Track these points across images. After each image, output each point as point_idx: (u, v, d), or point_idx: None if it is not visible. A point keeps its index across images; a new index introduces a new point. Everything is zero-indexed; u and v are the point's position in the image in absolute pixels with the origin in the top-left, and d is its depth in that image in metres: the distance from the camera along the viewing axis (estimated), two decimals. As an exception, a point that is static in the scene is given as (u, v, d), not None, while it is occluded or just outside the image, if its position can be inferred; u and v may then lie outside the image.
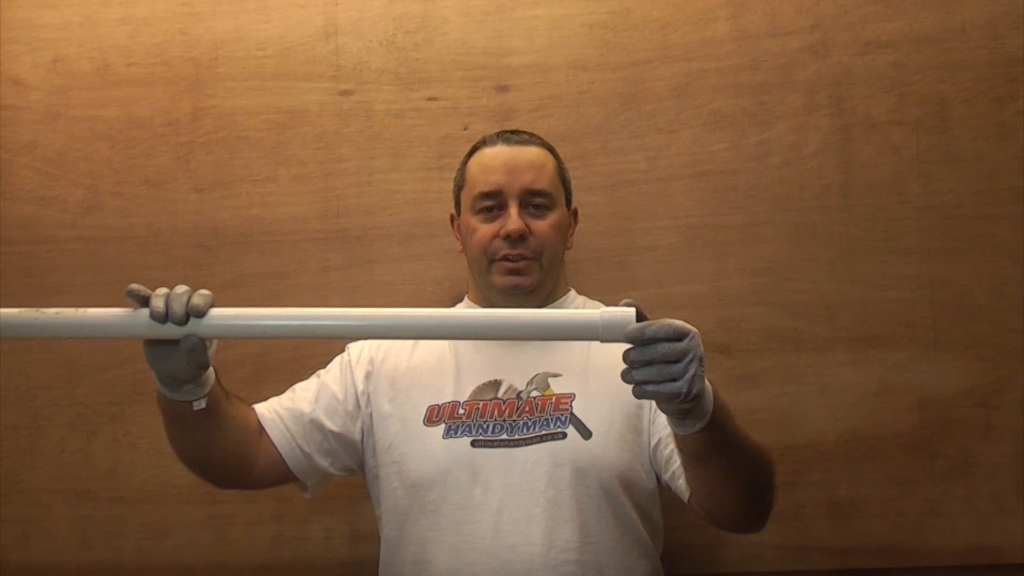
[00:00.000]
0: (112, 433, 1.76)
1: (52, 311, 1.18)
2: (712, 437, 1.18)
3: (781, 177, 1.76)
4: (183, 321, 1.16)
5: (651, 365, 1.10)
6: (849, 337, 1.72)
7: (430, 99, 1.80)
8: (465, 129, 1.78)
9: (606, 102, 1.78)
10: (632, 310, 1.13)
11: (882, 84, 1.76)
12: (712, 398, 1.17)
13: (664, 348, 1.09)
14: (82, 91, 1.82)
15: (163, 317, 1.15)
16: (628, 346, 1.12)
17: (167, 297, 1.16)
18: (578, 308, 1.51)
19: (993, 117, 1.75)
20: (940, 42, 1.76)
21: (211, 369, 1.25)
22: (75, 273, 1.79)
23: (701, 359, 1.12)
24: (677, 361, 1.10)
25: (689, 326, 1.12)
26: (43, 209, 1.80)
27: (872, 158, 1.75)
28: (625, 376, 1.12)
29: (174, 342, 1.17)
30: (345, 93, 1.80)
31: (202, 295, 1.17)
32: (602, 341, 1.13)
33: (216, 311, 1.17)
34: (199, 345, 1.17)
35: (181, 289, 1.17)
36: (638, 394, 1.12)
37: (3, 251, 1.79)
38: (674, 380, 1.09)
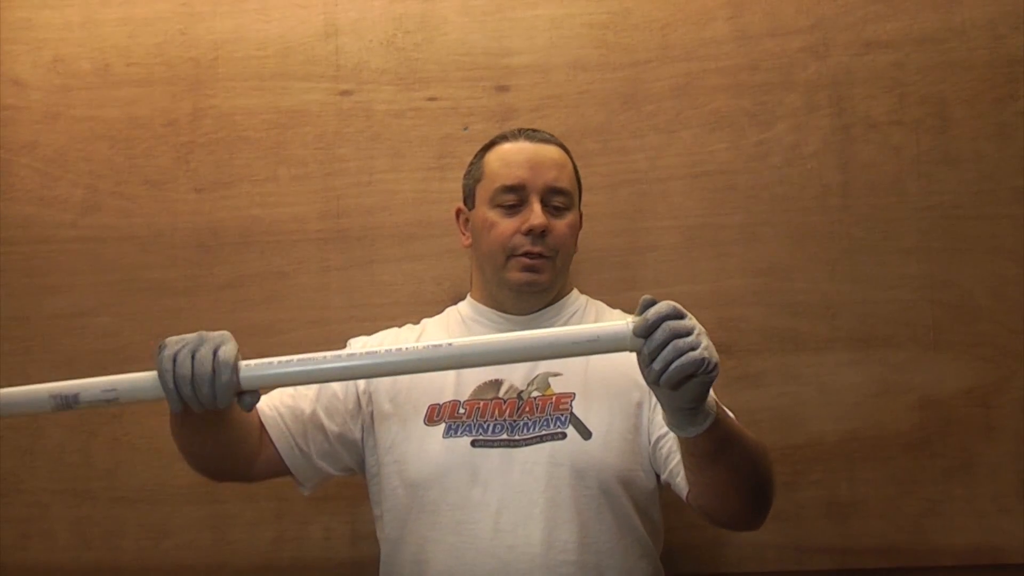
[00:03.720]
0: (112, 433, 1.76)
1: (85, 401, 1.17)
2: (718, 433, 1.19)
3: (781, 177, 1.76)
4: (217, 405, 1.17)
5: (665, 346, 1.11)
6: (849, 337, 1.72)
7: (430, 99, 1.80)
8: (465, 129, 1.78)
9: (606, 102, 1.78)
10: (624, 322, 1.14)
11: (882, 84, 1.76)
12: (714, 397, 1.18)
13: (671, 325, 1.11)
14: (82, 91, 1.82)
15: (200, 407, 1.17)
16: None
17: (199, 402, 1.15)
18: (580, 307, 1.51)
19: (993, 117, 1.75)
20: (940, 42, 1.76)
21: None
22: (75, 273, 1.79)
23: (703, 330, 1.14)
24: (688, 334, 1.11)
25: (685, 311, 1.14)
26: (43, 209, 1.80)
27: (872, 158, 1.75)
28: (648, 375, 1.13)
29: None
30: (345, 93, 1.80)
31: (224, 387, 1.15)
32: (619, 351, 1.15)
33: (244, 366, 1.17)
34: (254, 402, 1.20)
35: (204, 373, 1.14)
36: (667, 382, 1.11)
37: (3, 251, 1.79)
38: (692, 350, 1.10)
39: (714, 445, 1.20)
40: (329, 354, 1.20)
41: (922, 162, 1.75)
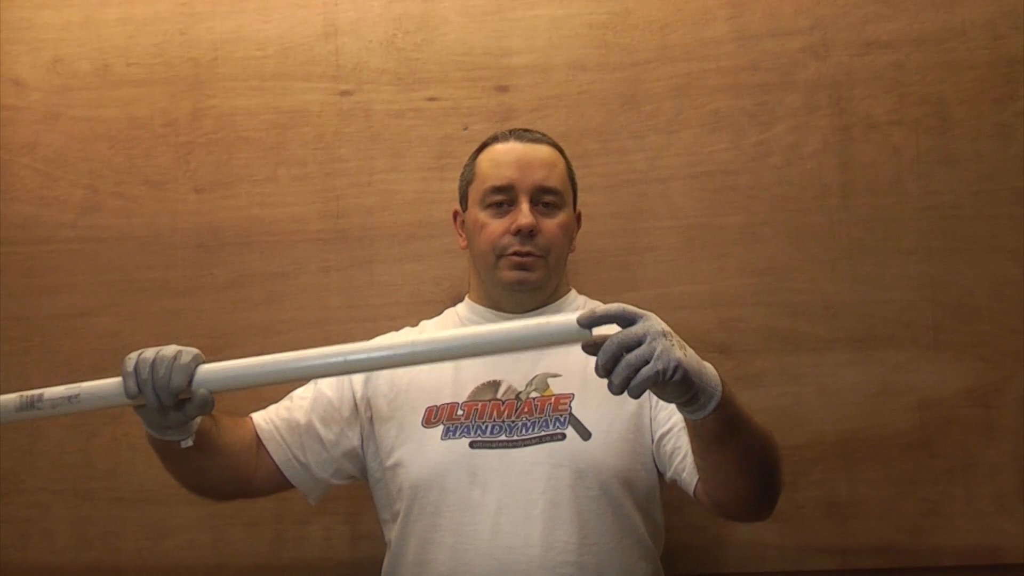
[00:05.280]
0: (112, 433, 1.76)
1: (48, 401, 1.21)
2: (726, 415, 1.17)
3: (781, 177, 1.76)
4: (178, 404, 1.20)
5: (618, 361, 1.09)
6: (849, 337, 1.72)
7: (430, 99, 1.80)
8: (465, 129, 1.78)
9: (606, 102, 1.78)
10: (573, 316, 1.12)
11: (882, 84, 1.76)
12: (716, 376, 1.16)
13: (618, 339, 1.09)
14: (82, 91, 1.82)
15: (159, 405, 1.19)
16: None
17: (154, 385, 1.18)
18: (579, 307, 1.50)
19: (993, 117, 1.74)
20: (940, 42, 1.76)
21: None
22: (75, 273, 1.79)
23: (665, 334, 1.10)
24: (638, 344, 1.09)
25: (641, 310, 1.12)
26: (43, 209, 1.80)
27: (872, 158, 1.75)
28: (610, 387, 1.11)
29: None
30: (345, 93, 1.80)
31: (181, 367, 1.18)
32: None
33: (204, 369, 1.20)
34: (208, 399, 1.20)
35: (162, 370, 1.18)
36: (632, 394, 1.11)
37: (3, 251, 1.80)
38: (646, 362, 1.09)
39: (721, 428, 1.19)
40: (286, 355, 1.22)
41: (922, 162, 1.75)
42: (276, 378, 1.22)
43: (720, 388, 1.16)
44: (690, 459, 1.30)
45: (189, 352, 1.21)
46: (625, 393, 1.10)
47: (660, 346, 1.09)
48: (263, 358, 1.22)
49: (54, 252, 1.80)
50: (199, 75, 1.81)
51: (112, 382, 1.21)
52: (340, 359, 1.21)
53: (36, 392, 1.23)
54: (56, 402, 1.22)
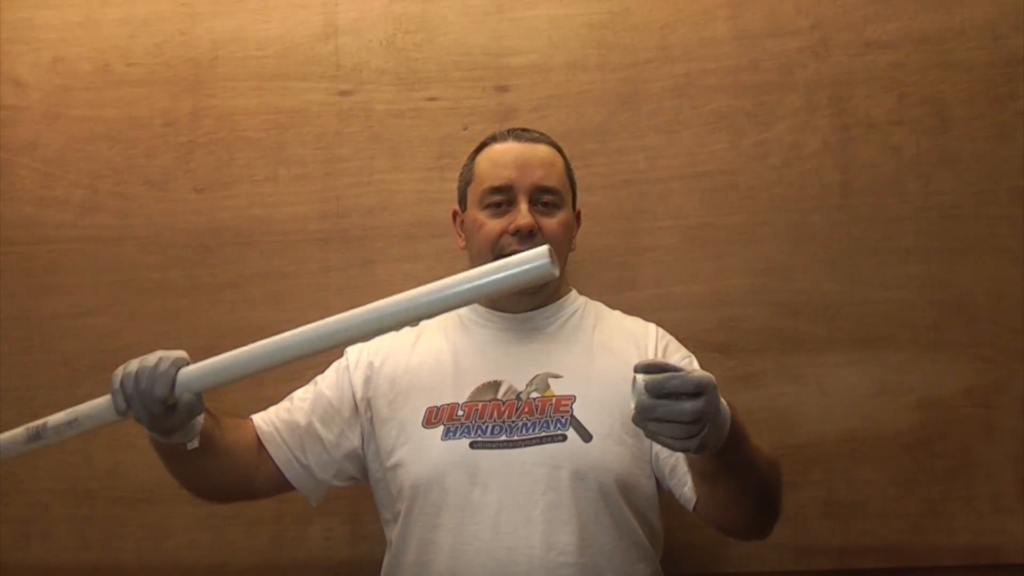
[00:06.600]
0: (112, 433, 1.76)
1: (52, 428, 1.25)
2: (723, 459, 1.17)
3: (781, 177, 1.76)
4: (168, 410, 1.21)
5: (663, 422, 1.08)
6: (849, 337, 1.72)
7: (430, 99, 1.80)
8: (465, 129, 1.78)
9: (606, 102, 1.78)
10: (545, 248, 1.13)
11: (882, 84, 1.76)
12: (729, 425, 1.14)
13: (678, 410, 1.07)
14: (82, 91, 1.82)
15: (150, 416, 1.20)
16: (648, 361, 1.12)
17: (139, 398, 1.19)
18: (580, 307, 1.50)
19: (993, 117, 1.75)
20: (940, 42, 1.76)
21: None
22: (75, 273, 1.79)
23: (716, 411, 1.09)
24: (692, 422, 1.08)
25: (708, 377, 1.09)
26: (43, 209, 1.80)
27: (872, 158, 1.75)
28: (637, 421, 1.10)
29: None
30: (345, 93, 1.80)
31: (161, 375, 1.18)
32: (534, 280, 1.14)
33: (186, 371, 1.20)
34: (194, 401, 1.21)
35: (144, 382, 1.18)
36: (649, 438, 1.11)
37: (3, 251, 1.80)
38: (686, 438, 1.09)
39: (717, 468, 1.19)
40: (262, 342, 1.21)
41: (922, 162, 1.75)
42: (257, 366, 1.21)
43: (721, 444, 1.13)
44: (691, 476, 1.31)
45: (168, 358, 1.21)
46: (628, 398, 1.11)
47: (706, 430, 1.08)
48: (241, 349, 1.21)
49: (54, 252, 1.80)
50: (199, 75, 1.81)
51: (104, 401, 1.23)
52: (314, 335, 1.20)
53: (40, 422, 1.26)
54: (59, 429, 1.25)
